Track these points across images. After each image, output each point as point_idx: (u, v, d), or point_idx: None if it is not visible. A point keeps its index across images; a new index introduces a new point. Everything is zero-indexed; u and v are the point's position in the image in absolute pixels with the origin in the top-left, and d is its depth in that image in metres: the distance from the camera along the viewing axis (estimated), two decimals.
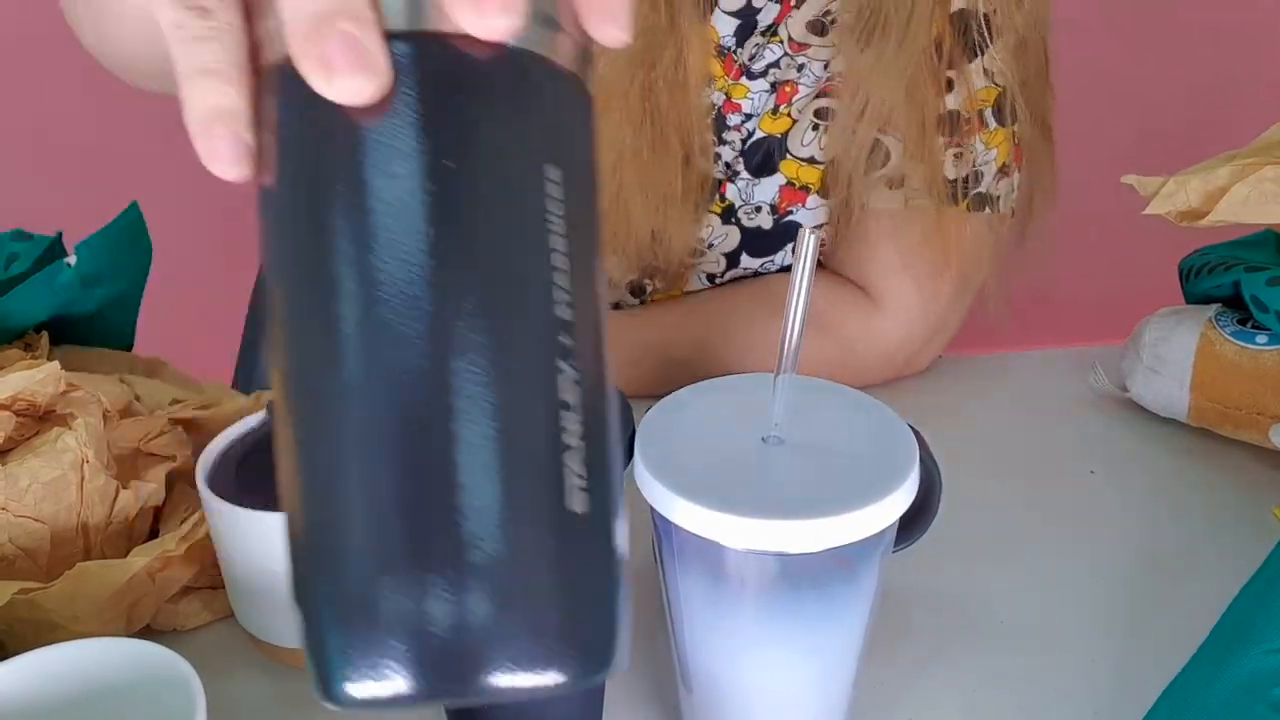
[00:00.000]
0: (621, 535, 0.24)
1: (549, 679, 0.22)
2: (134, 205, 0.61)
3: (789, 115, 0.69)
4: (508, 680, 0.22)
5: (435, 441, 0.22)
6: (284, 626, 0.47)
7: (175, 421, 0.54)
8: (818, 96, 0.69)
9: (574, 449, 0.23)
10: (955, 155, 0.66)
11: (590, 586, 0.23)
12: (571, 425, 0.23)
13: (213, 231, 1.48)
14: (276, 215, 0.23)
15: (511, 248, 0.23)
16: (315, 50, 0.21)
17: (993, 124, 0.67)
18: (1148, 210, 0.57)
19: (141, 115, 1.45)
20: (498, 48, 0.23)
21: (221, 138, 0.23)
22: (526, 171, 0.23)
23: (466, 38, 0.22)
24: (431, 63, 0.23)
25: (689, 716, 0.43)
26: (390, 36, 0.22)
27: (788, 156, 0.70)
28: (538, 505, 0.23)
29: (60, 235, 0.60)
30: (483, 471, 0.22)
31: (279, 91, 0.23)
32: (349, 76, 0.21)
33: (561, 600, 0.23)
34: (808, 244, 0.36)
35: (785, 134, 0.70)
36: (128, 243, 0.60)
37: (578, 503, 0.23)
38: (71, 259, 0.57)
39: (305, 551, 0.23)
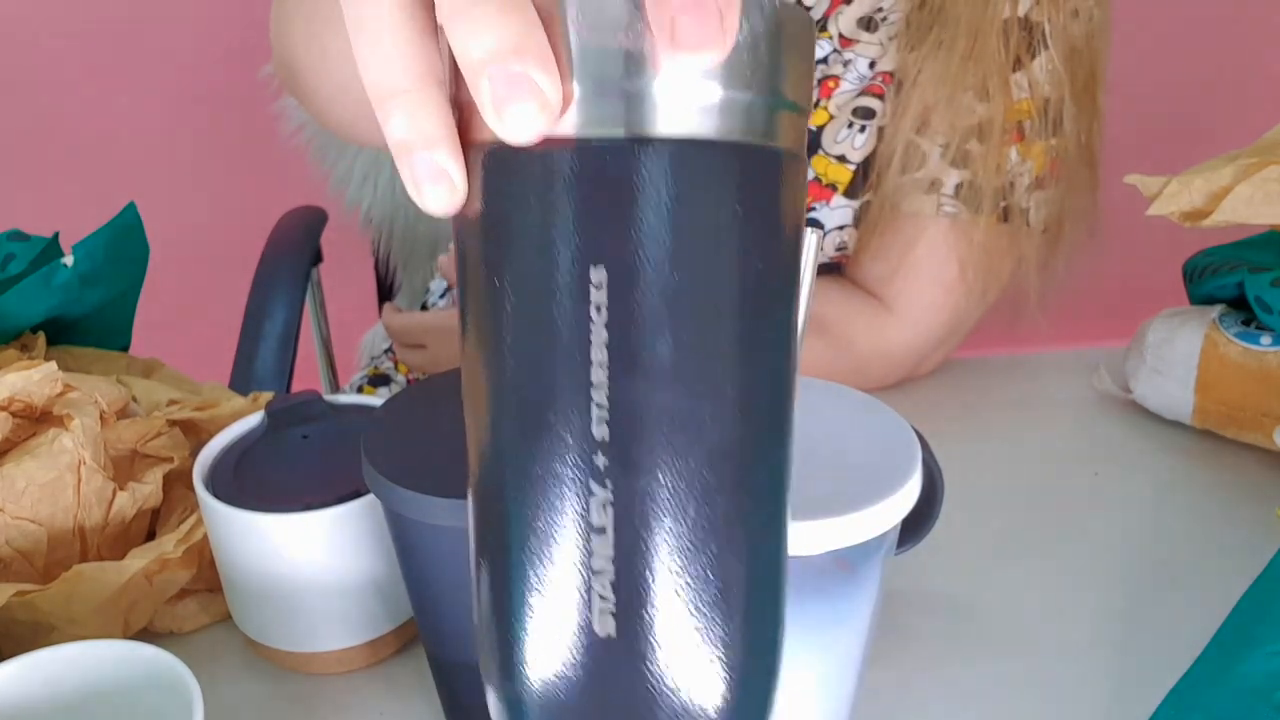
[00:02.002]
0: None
1: None
2: (131, 206, 0.60)
3: (827, 110, 0.69)
4: None
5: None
6: (281, 629, 0.47)
7: (173, 423, 0.54)
8: (860, 95, 0.68)
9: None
10: (993, 165, 0.66)
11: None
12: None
13: (210, 232, 1.48)
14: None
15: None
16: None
17: (1032, 136, 0.66)
18: (1151, 211, 0.56)
19: (139, 116, 1.45)
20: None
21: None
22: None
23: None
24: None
25: None
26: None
27: (819, 152, 0.70)
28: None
29: (57, 236, 0.60)
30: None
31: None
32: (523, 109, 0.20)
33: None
34: (809, 245, 0.36)
35: (820, 128, 0.69)
36: (125, 243, 0.60)
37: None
38: (68, 259, 0.57)
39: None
